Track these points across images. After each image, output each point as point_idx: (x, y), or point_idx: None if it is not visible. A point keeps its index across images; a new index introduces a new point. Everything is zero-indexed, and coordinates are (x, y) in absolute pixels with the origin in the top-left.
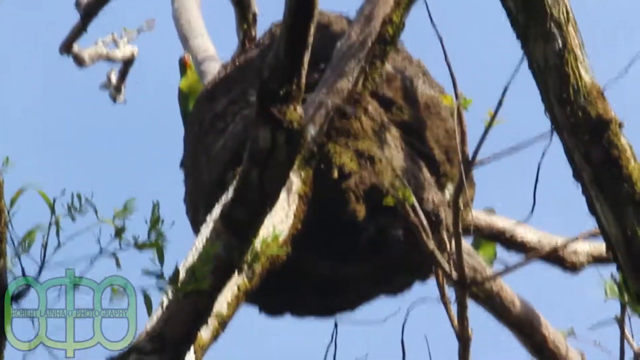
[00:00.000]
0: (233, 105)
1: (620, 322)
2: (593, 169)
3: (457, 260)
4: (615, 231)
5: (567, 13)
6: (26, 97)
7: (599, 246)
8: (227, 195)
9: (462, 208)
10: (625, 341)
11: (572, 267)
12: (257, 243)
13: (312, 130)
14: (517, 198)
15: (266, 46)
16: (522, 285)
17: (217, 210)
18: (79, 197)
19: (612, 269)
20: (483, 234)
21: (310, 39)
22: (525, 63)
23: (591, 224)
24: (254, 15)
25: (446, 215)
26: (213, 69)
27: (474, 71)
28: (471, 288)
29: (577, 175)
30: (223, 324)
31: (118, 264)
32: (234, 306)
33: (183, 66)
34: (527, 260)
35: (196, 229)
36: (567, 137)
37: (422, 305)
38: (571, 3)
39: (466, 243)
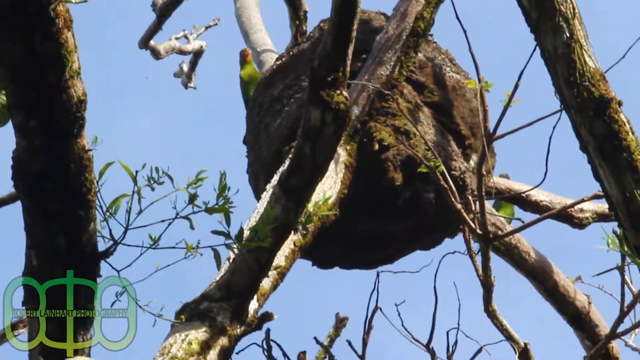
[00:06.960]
0: (288, 90)
1: (621, 270)
2: (597, 141)
3: (481, 218)
4: (616, 194)
5: (574, 9)
6: (111, 84)
7: (603, 206)
8: (284, 166)
9: (484, 174)
10: (626, 286)
11: (579, 224)
12: (310, 206)
13: (356, 111)
14: (532, 166)
15: (316, 39)
16: (537, 239)
17: (275, 179)
18: (157, 169)
19: (613, 225)
20: (503, 196)
21: (354, 34)
22: (538, 52)
23: (596, 188)
24: (305, 12)
25: (471, 181)
26: (270, 59)
27: (494, 58)
28: (493, 242)
29: (583, 147)
30: (282, 275)
31: (192, 226)
32: (291, 260)
33: (243, 58)
34: (541, 218)
35: (257, 195)
36: (574, 114)
37: (452, 257)
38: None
39: (488, 204)
